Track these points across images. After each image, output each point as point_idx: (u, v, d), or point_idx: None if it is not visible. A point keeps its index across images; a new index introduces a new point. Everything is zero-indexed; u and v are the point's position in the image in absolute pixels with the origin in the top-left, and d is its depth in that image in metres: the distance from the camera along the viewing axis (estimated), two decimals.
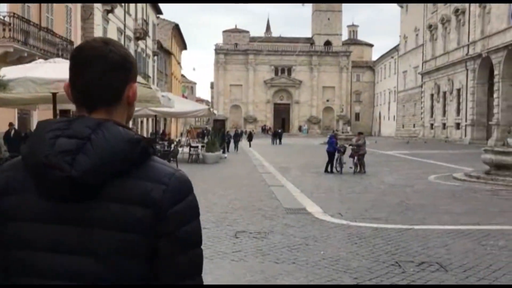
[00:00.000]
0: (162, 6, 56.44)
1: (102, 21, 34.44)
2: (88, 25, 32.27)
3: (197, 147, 27.27)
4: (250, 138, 47.26)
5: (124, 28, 40.05)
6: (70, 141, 1.25)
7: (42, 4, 24.87)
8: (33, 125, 23.80)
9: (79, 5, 30.03)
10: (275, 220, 9.99)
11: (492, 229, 9.04)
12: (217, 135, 28.60)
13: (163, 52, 59.18)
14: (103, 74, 1.33)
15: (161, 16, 59.70)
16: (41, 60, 14.26)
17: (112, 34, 36.78)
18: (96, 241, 1.25)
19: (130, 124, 1.70)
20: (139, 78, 9.72)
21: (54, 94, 11.41)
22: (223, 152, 29.96)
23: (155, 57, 54.03)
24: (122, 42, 39.52)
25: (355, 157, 20.61)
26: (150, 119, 44.89)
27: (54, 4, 26.42)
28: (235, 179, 18.16)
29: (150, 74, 49.65)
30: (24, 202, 1.29)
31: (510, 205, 12.25)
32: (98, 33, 33.33)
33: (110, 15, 35.71)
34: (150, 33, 50.84)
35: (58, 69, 12.90)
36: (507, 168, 16.65)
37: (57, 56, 22.37)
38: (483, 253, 7.39)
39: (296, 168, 23.08)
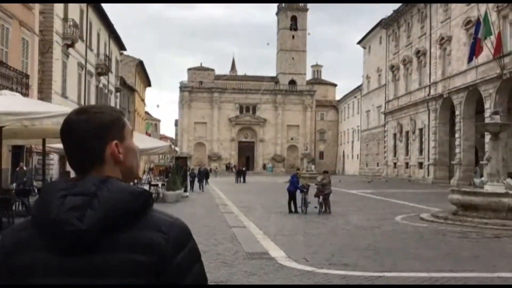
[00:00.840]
0: (126, 42, 55.91)
1: (62, 56, 33.46)
2: (46, 59, 31.29)
3: (157, 185, 26.29)
4: (206, 176, 42.76)
5: (85, 63, 39.10)
6: (77, 198, 1.33)
7: None
8: None
9: (36, 38, 29.06)
10: (235, 267, 9.17)
11: (468, 277, 8.40)
12: (178, 173, 27.63)
13: (126, 88, 58.27)
14: (79, 141, 1.42)
15: (125, 52, 59.10)
16: None
17: (72, 69, 35.80)
18: None
19: None
20: None
21: None
22: (185, 191, 28.98)
23: (118, 93, 53.00)
24: (83, 77, 38.56)
25: (320, 197, 20.01)
26: None
27: (10, 37, 25.45)
28: (194, 219, 17.22)
29: None
30: (34, 260, 1.33)
31: (482, 249, 11.73)
32: (57, 67, 32.32)
33: (70, 50, 34.77)
34: (113, 69, 50.00)
35: (4, 102, 11.91)
36: (475, 208, 16.24)
37: (11, 90, 21.28)
38: None
39: (259, 207, 22.29)
